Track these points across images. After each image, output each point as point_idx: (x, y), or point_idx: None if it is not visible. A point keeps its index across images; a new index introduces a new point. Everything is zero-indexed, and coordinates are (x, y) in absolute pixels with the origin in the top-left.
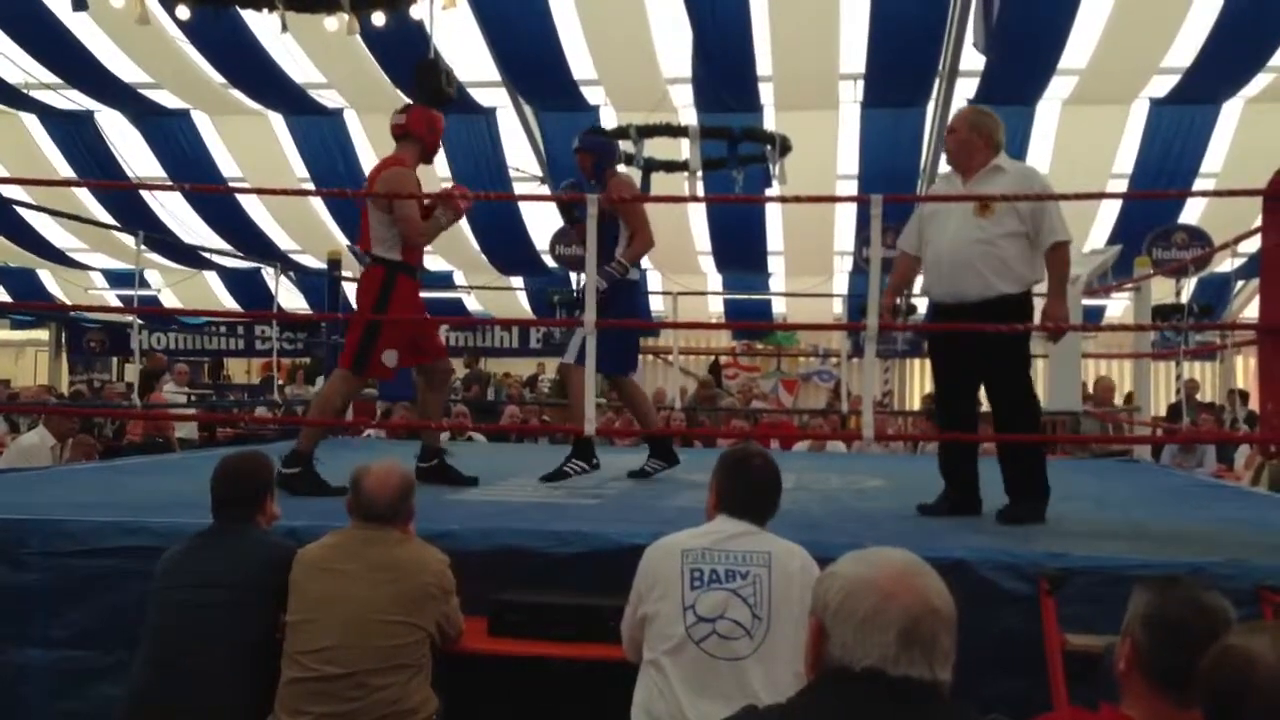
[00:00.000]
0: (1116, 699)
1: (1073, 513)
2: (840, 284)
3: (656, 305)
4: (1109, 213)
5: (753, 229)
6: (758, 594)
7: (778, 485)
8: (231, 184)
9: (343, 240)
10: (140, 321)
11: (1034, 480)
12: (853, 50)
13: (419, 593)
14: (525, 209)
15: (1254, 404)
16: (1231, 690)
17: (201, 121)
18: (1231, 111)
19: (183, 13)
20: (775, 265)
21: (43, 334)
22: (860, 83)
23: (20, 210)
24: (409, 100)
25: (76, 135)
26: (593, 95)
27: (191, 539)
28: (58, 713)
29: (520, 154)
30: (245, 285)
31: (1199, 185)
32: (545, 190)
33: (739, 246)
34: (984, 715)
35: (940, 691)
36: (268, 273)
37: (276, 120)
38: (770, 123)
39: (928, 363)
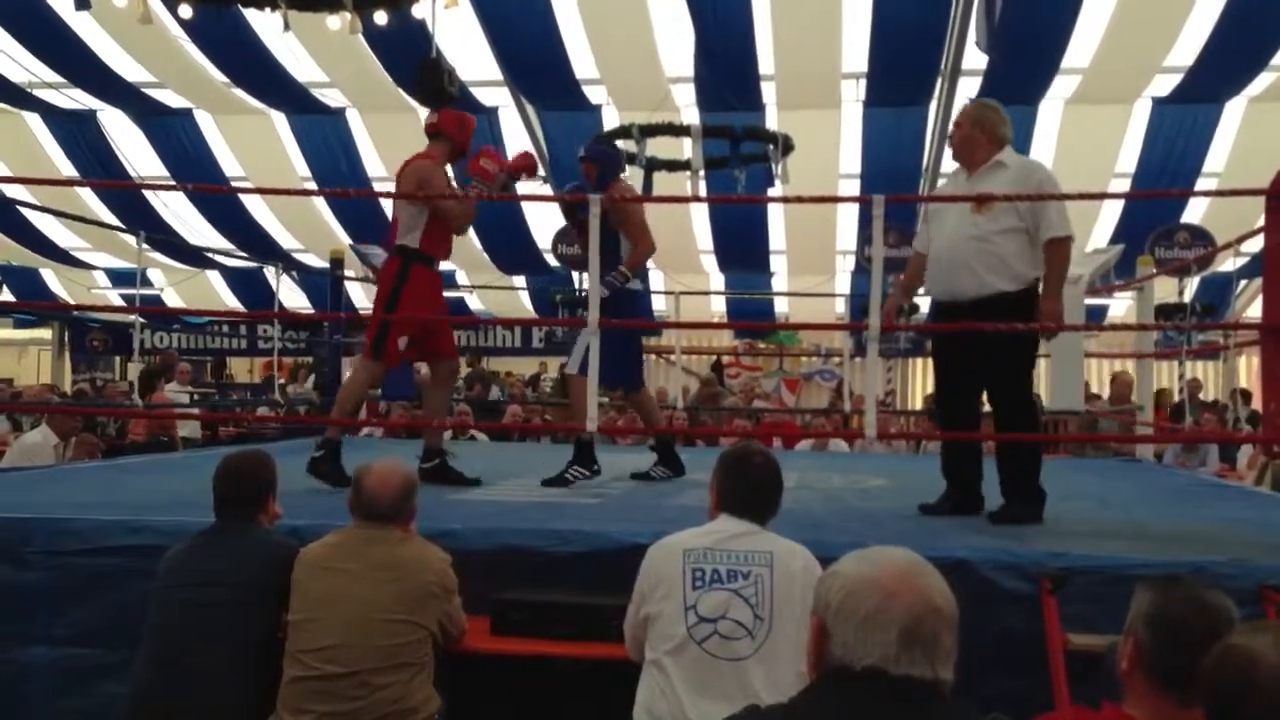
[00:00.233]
0: (1119, 698)
1: (1074, 512)
2: (842, 283)
3: (659, 305)
4: (1111, 212)
5: (755, 228)
6: (759, 594)
7: (778, 484)
8: (234, 183)
9: (345, 239)
10: (143, 321)
11: (1029, 482)
12: (855, 49)
13: (421, 592)
14: (528, 208)
15: (1256, 403)
16: (1234, 690)
17: (204, 121)
18: (1234, 111)
19: (185, 12)
20: (777, 264)
21: (46, 333)
22: (862, 82)
23: (23, 210)
24: (411, 99)
25: (79, 134)
26: (595, 94)
27: (194, 538)
28: (61, 711)
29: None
30: (248, 285)
31: (1202, 184)
32: (548, 190)
33: (741, 246)
34: (986, 715)
35: (942, 691)
36: (270, 272)
37: (279, 119)
38: (772, 122)
39: (930, 362)
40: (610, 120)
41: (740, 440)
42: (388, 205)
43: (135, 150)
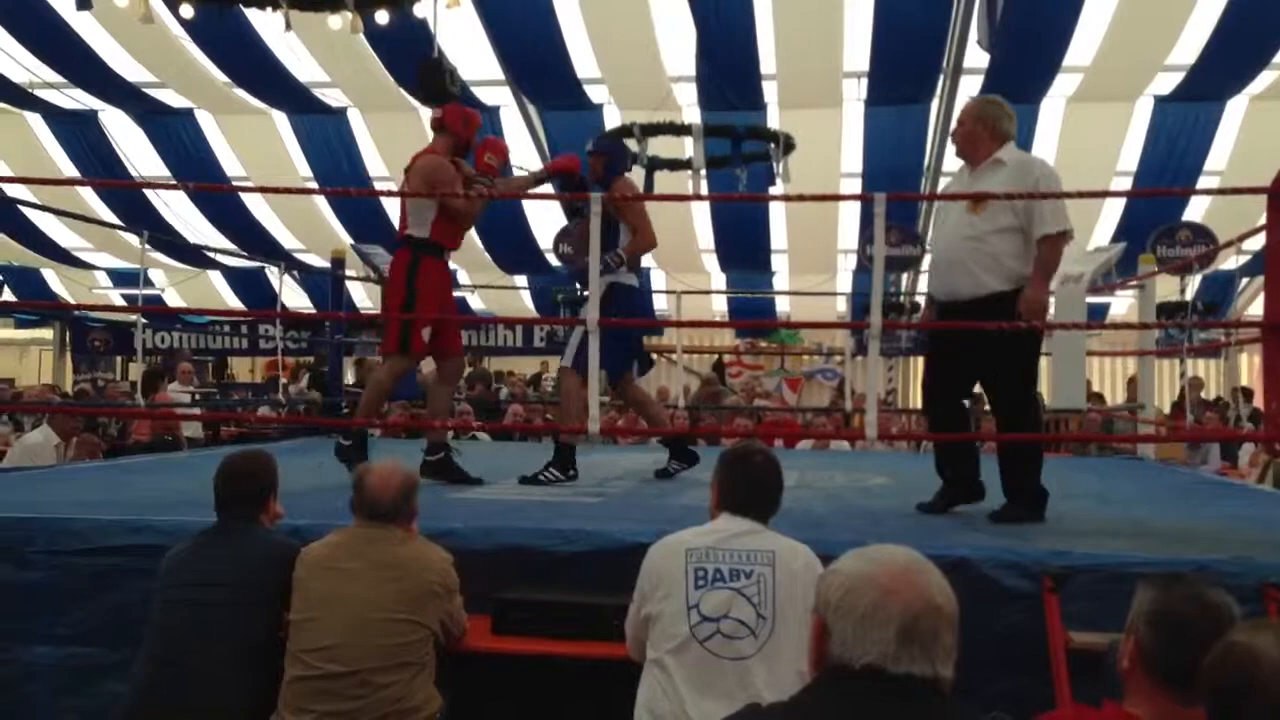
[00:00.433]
0: (1120, 697)
1: (1076, 510)
2: (844, 282)
3: (660, 304)
4: (1113, 210)
5: (756, 227)
6: (762, 593)
7: (779, 482)
8: (235, 183)
9: (346, 239)
10: (144, 321)
11: (1030, 481)
12: (856, 48)
13: (422, 591)
14: (529, 208)
15: (1258, 401)
16: (1235, 687)
17: (205, 121)
18: (1236, 109)
19: (186, 12)
20: (779, 263)
21: (47, 333)
22: (864, 80)
23: (25, 210)
24: (413, 99)
25: (81, 135)
26: (596, 94)
27: (195, 538)
28: (63, 710)
29: (524, 153)
30: (249, 284)
31: (1203, 183)
32: (549, 189)
33: (742, 245)
34: (987, 713)
35: (942, 688)
36: (272, 272)
37: (280, 119)
38: (774, 121)
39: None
40: (612, 119)
41: (741, 439)
42: (389, 205)
43: (136, 150)
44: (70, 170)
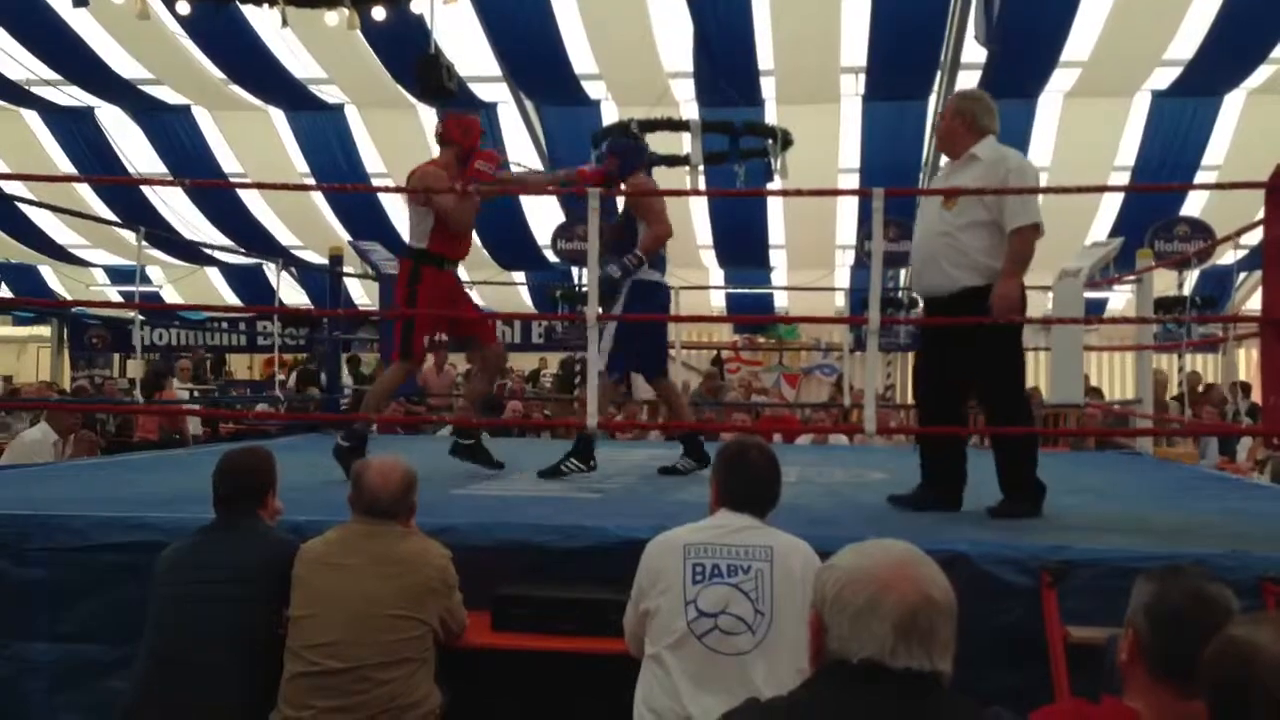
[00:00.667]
0: (1119, 692)
1: (1074, 505)
2: (842, 278)
3: None
4: (1111, 205)
5: (754, 223)
6: (760, 588)
7: (777, 477)
8: (233, 179)
9: (344, 236)
10: (142, 317)
11: (1026, 476)
12: (854, 43)
13: (421, 587)
14: (527, 204)
15: (1256, 396)
16: (1234, 681)
17: (202, 117)
18: (1234, 103)
19: (183, 8)
20: (777, 259)
21: (44, 330)
22: (862, 76)
23: (22, 206)
24: (410, 95)
25: (77, 131)
26: (594, 90)
27: (194, 534)
28: (62, 707)
29: (521, 149)
30: (247, 281)
31: (1201, 177)
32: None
33: (740, 241)
34: (985, 708)
35: (940, 682)
36: (269, 268)
37: (277, 116)
38: (771, 116)
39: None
40: (609, 115)
41: (739, 435)
42: (386, 201)
43: (134, 147)
44: (67, 167)
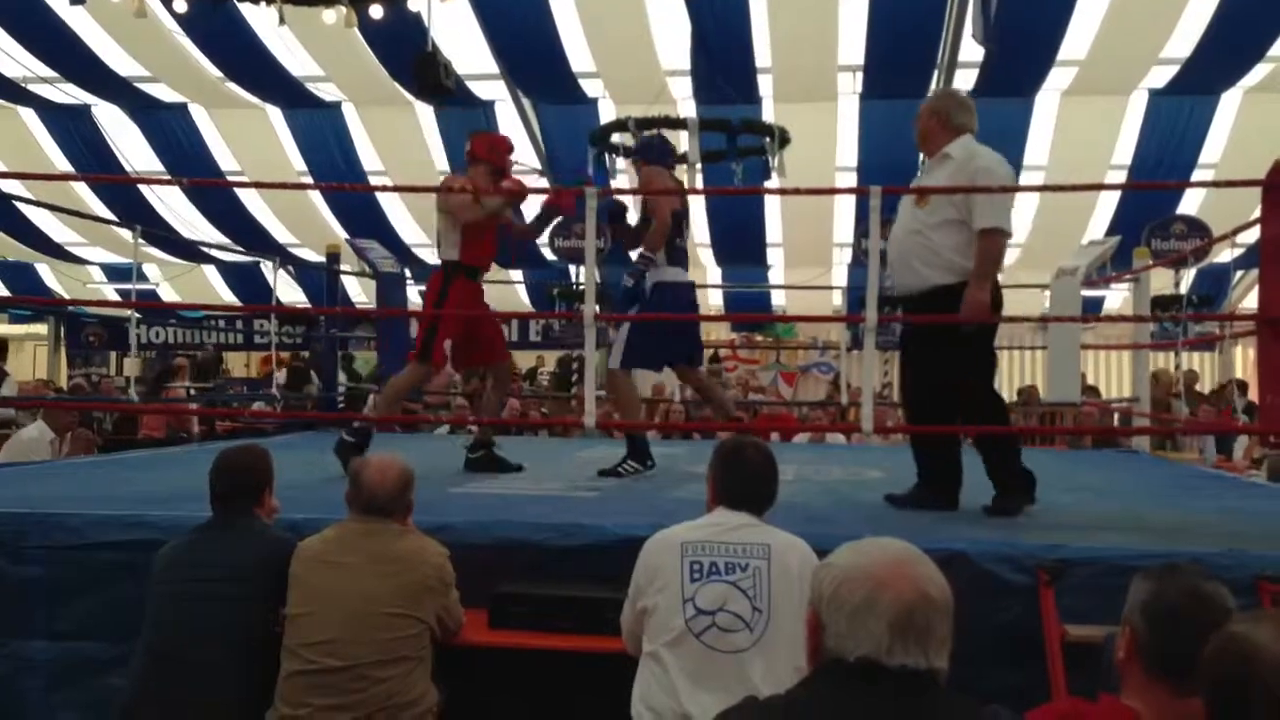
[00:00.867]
0: (1117, 690)
1: (1072, 503)
2: (839, 276)
3: None
4: (1108, 204)
5: (752, 221)
6: (757, 586)
7: (774, 475)
8: (230, 178)
9: (341, 234)
10: (138, 315)
11: (1009, 471)
12: (852, 42)
13: (419, 585)
14: (523, 205)
15: (1253, 394)
16: (1234, 679)
17: (199, 115)
18: (1230, 102)
19: (180, 6)
20: (774, 257)
21: (41, 328)
22: (859, 74)
23: (18, 205)
24: (408, 93)
25: (74, 129)
26: (591, 88)
27: (191, 532)
28: (60, 705)
29: (519, 147)
30: (244, 279)
31: (1198, 176)
32: (544, 183)
33: (738, 239)
34: (983, 706)
35: (937, 680)
36: (266, 267)
37: (274, 114)
38: (769, 115)
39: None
40: (607, 113)
41: (736, 433)
42: (384, 200)
43: (130, 145)
44: (63, 165)
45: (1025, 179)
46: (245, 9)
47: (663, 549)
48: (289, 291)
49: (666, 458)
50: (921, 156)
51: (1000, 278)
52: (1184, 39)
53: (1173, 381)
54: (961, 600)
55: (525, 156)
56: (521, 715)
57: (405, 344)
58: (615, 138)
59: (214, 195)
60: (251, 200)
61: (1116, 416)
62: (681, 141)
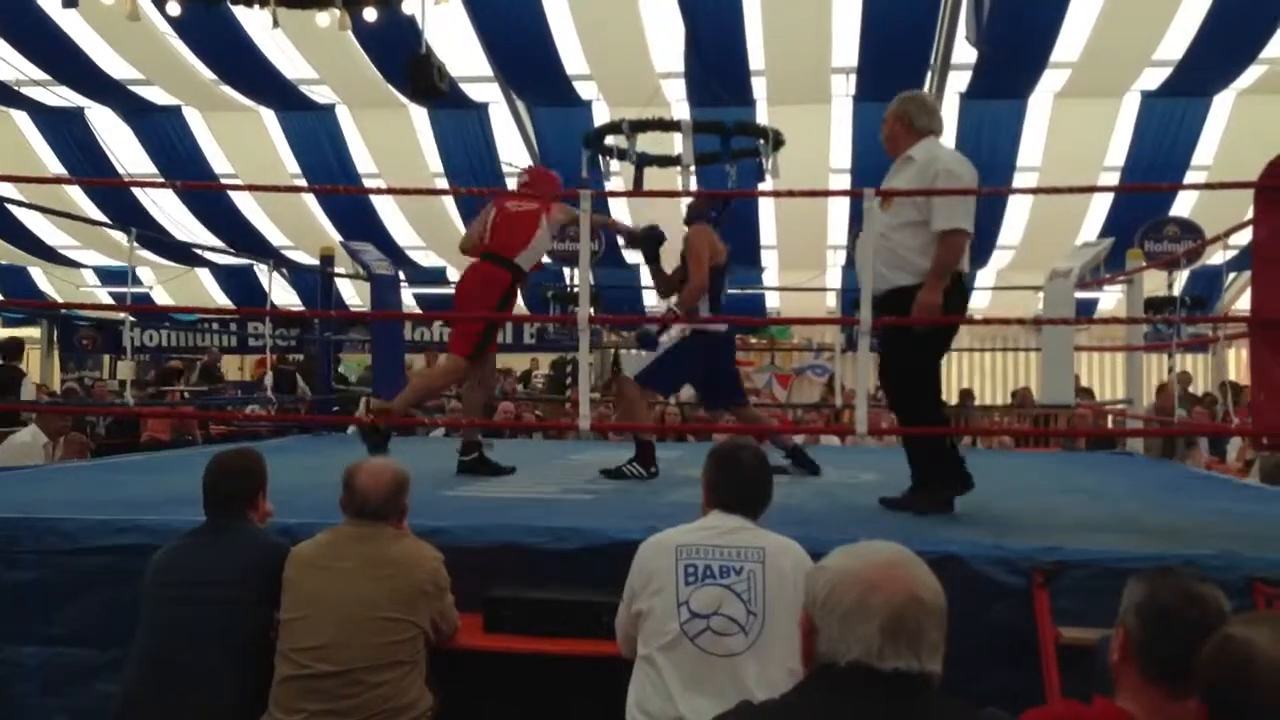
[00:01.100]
0: (1111, 692)
1: (1065, 505)
2: (833, 278)
3: (650, 300)
4: (1101, 205)
5: (746, 223)
6: (752, 590)
7: (768, 478)
8: (223, 180)
9: (335, 236)
10: (132, 319)
11: (928, 468)
12: (845, 44)
13: (413, 589)
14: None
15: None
16: (1231, 680)
17: (193, 118)
18: (1223, 104)
19: (173, 9)
20: (768, 259)
21: (34, 331)
22: (852, 76)
23: (11, 208)
24: (401, 95)
25: (67, 132)
26: (585, 90)
27: (185, 537)
28: (53, 710)
29: (513, 149)
30: (238, 282)
31: (1191, 178)
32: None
33: (732, 241)
34: (978, 710)
35: (929, 683)
36: (260, 269)
37: (268, 116)
38: (763, 117)
39: None
40: (601, 116)
41: (730, 436)
42: (378, 202)
43: (124, 147)
44: (57, 168)
45: (1018, 180)
46: (239, 11)
47: (657, 552)
48: (283, 294)
49: (661, 461)
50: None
51: (993, 279)
52: (1177, 41)
53: (1173, 394)
54: (955, 602)
55: (519, 158)
56: (516, 719)
57: (399, 346)
58: (609, 140)
59: (208, 198)
60: (245, 203)
61: (1111, 418)
62: (676, 144)
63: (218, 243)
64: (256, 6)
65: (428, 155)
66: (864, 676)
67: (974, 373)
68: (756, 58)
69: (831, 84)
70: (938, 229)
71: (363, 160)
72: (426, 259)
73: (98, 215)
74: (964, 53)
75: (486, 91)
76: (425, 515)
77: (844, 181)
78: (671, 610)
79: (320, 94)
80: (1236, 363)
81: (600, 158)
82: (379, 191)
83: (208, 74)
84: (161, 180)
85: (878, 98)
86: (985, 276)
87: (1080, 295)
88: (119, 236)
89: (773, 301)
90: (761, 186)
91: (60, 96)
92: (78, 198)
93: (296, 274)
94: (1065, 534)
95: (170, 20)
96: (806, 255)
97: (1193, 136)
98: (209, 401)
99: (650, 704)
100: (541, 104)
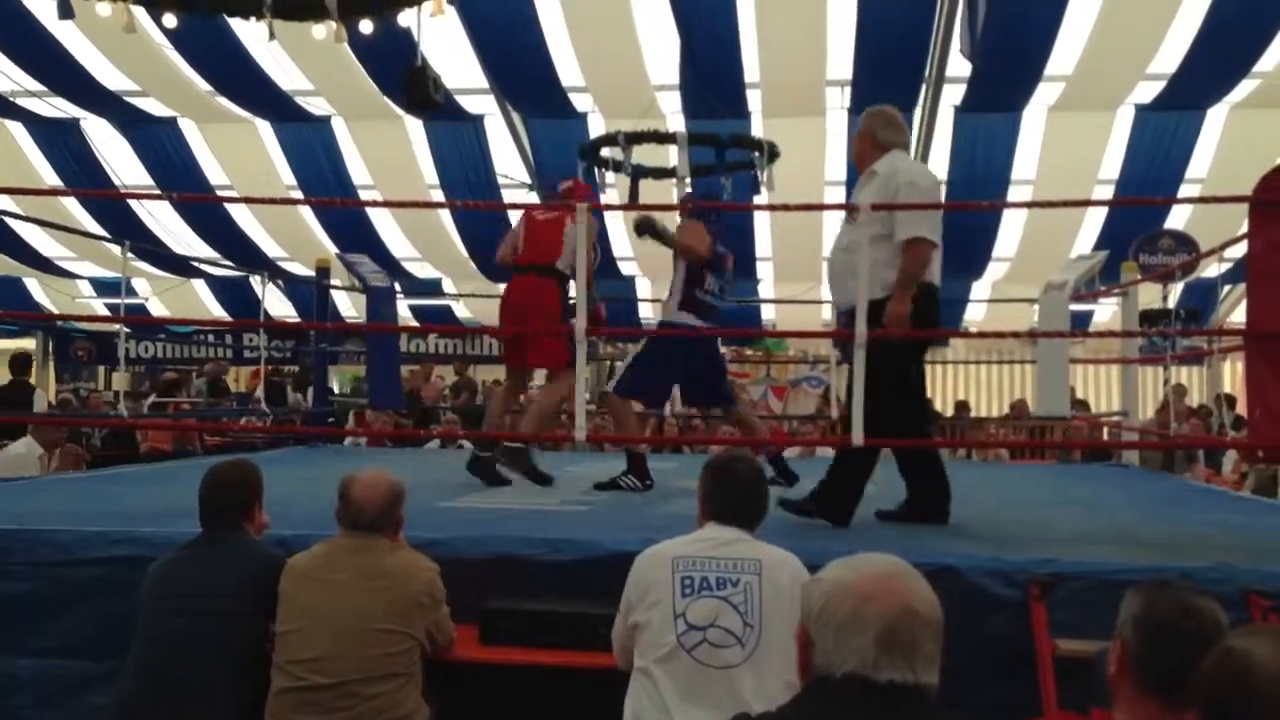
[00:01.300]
0: (1109, 705)
1: (1061, 517)
2: (829, 291)
3: (645, 312)
4: (1096, 219)
5: (741, 236)
6: (749, 602)
7: (765, 490)
8: (219, 192)
9: (331, 248)
10: (127, 330)
11: (838, 482)
12: (840, 56)
13: (409, 601)
14: (514, 216)
15: (1241, 408)
16: (1231, 694)
17: (189, 129)
18: (1217, 117)
19: (169, 20)
20: (764, 271)
21: (30, 343)
22: (848, 89)
23: (7, 219)
24: (397, 108)
25: (63, 143)
26: (581, 102)
27: (180, 549)
28: None
29: (508, 161)
30: (233, 294)
31: (1185, 191)
32: (534, 197)
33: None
34: None
35: (925, 695)
36: (256, 281)
37: (264, 128)
38: (758, 129)
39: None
40: (596, 128)
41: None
42: (374, 214)
43: (119, 159)
44: (52, 179)
45: (1013, 194)
46: (235, 23)
47: (654, 564)
48: (278, 306)
49: (658, 473)
50: (943, 171)
51: (989, 292)
52: (1171, 55)
53: (1174, 411)
54: (952, 615)
55: (515, 170)
56: None
57: (394, 358)
58: (604, 152)
59: (203, 209)
60: (241, 215)
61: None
62: (670, 156)
63: (213, 254)
64: (253, 19)
65: (423, 167)
66: (859, 688)
67: (970, 385)
68: (752, 70)
69: (826, 97)
70: (900, 239)
71: (358, 172)
72: (422, 271)
73: (93, 227)
74: (959, 66)
75: (482, 103)
76: (421, 527)
77: (839, 194)
78: (668, 622)
79: (316, 106)
80: (1232, 376)
81: (596, 170)
82: (375, 204)
83: (204, 85)
84: (157, 192)
85: None
86: (980, 289)
87: (1075, 308)
88: (114, 248)
89: (768, 314)
90: (756, 199)
91: (56, 107)
92: (73, 209)
93: (292, 286)
94: (1061, 546)
95: (166, 32)
96: (802, 268)
97: (1187, 150)
98: (210, 413)
99: (647, 716)
100: (537, 116)
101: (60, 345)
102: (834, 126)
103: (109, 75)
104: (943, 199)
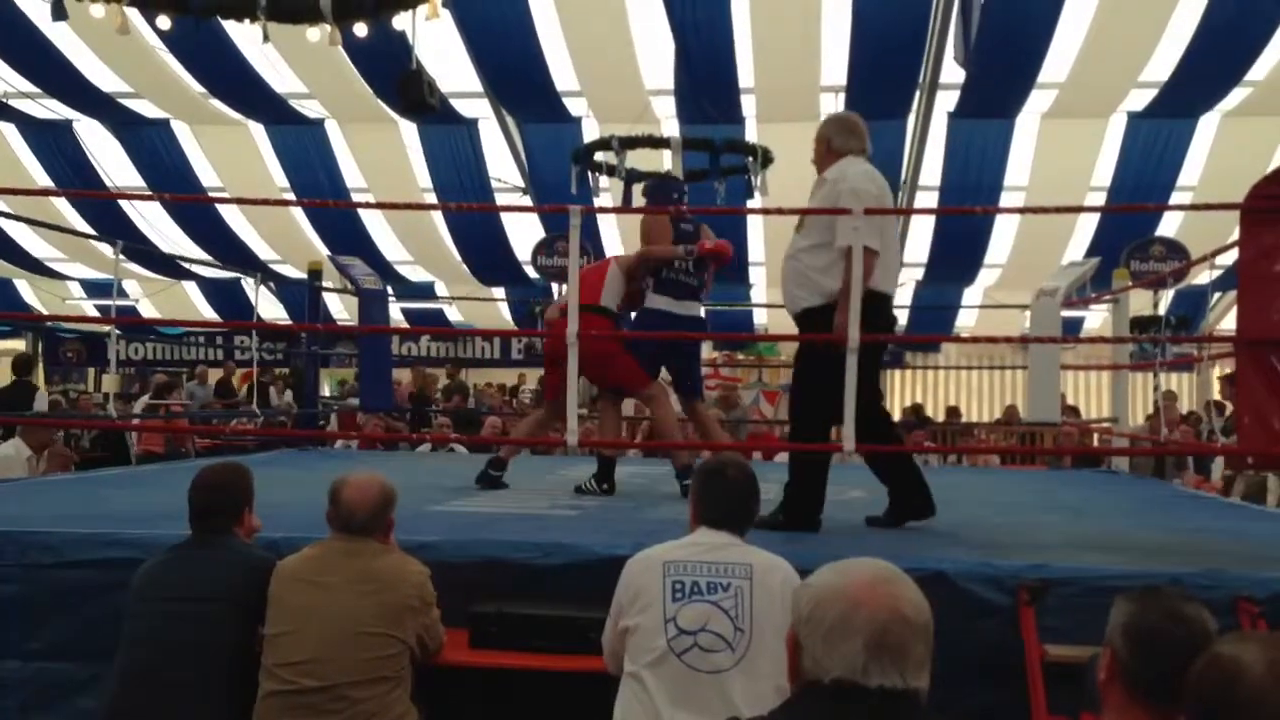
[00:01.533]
0: (1099, 711)
1: (1051, 523)
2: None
3: None
4: (1087, 225)
5: (734, 240)
6: (739, 606)
7: (755, 495)
8: (211, 194)
9: (323, 250)
10: (118, 331)
11: (797, 493)
12: (834, 62)
13: (399, 605)
14: (507, 220)
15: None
16: (1219, 699)
17: (181, 131)
18: (1209, 125)
19: (163, 22)
20: (756, 276)
21: (19, 344)
22: (841, 95)
23: None
24: (392, 111)
25: (55, 144)
26: (575, 106)
27: (169, 551)
28: None
29: (502, 165)
30: (225, 295)
31: (1176, 198)
32: (527, 201)
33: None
34: None
35: (915, 700)
36: (247, 283)
37: (257, 130)
38: (752, 134)
39: (908, 374)
40: (590, 132)
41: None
42: (366, 217)
43: (111, 160)
44: (44, 180)
45: (1006, 200)
46: (229, 26)
47: (645, 569)
48: (270, 308)
49: (647, 477)
50: (937, 176)
51: (980, 298)
52: (1163, 63)
53: (1165, 419)
54: (941, 620)
55: (509, 174)
56: None
57: (386, 361)
58: (598, 156)
59: (195, 211)
60: (233, 216)
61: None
62: (665, 160)
63: (205, 256)
64: (247, 21)
65: (417, 170)
66: (849, 693)
67: (961, 391)
68: (746, 75)
69: (820, 102)
70: (841, 244)
71: (352, 175)
72: (415, 274)
73: (84, 227)
74: (952, 72)
75: (476, 107)
76: (412, 530)
77: None
78: (659, 627)
79: (310, 109)
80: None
81: (589, 174)
82: (368, 206)
83: (197, 88)
84: (149, 193)
85: (867, 116)
86: (972, 295)
87: (1067, 314)
88: (105, 249)
89: (760, 318)
90: (750, 203)
91: (49, 109)
92: (64, 210)
93: (284, 288)
94: (1051, 552)
95: (160, 34)
96: None
97: (1179, 157)
98: (200, 415)
99: None
100: (531, 120)
101: (50, 346)
102: None
103: (102, 77)
104: (890, 204)
